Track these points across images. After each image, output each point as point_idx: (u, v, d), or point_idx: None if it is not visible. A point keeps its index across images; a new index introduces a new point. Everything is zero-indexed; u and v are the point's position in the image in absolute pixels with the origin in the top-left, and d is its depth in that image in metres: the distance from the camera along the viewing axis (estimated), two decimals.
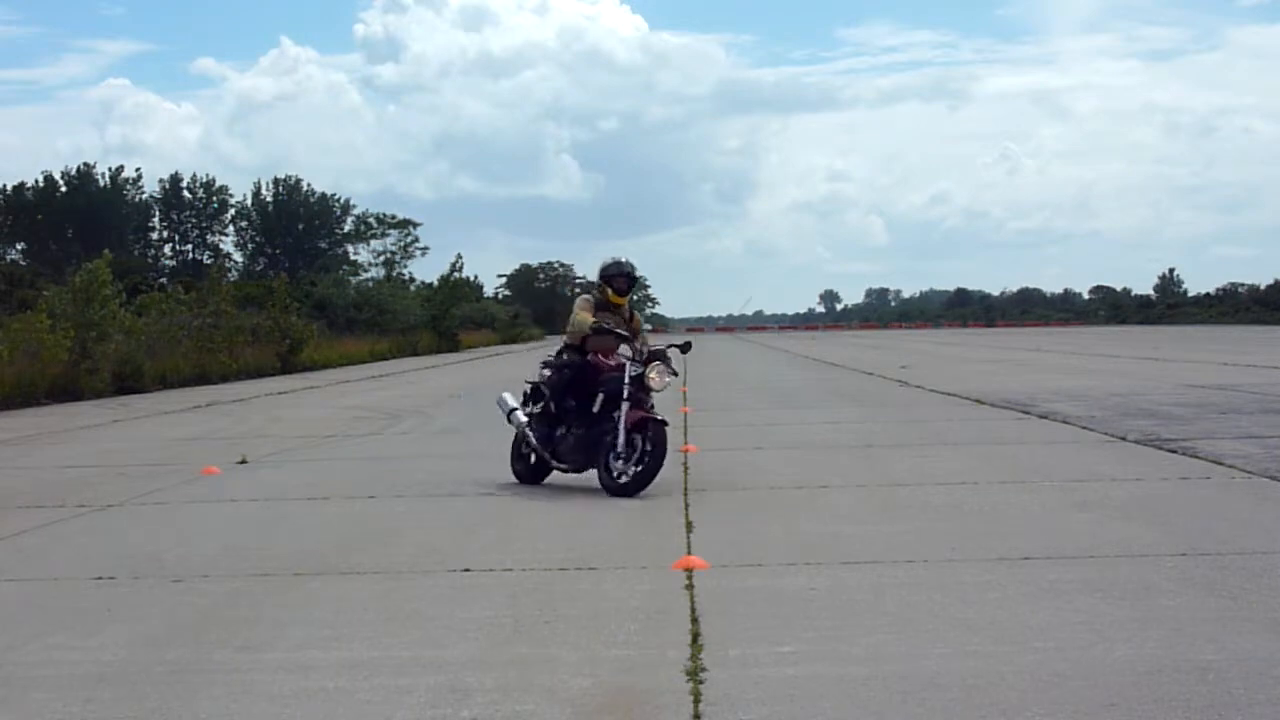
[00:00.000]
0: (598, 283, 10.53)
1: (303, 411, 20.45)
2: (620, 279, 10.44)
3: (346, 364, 40.01)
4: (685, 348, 10.64)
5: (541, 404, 10.26)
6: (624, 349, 10.17)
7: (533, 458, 10.29)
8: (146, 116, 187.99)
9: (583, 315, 10.16)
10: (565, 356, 10.27)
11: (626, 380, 9.59)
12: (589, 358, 10.06)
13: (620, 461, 9.48)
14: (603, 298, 10.39)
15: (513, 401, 10.58)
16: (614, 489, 9.41)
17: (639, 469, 9.40)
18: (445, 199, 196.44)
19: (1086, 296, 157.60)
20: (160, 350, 28.86)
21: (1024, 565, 6.68)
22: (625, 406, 9.49)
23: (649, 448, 9.41)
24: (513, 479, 10.40)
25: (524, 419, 10.33)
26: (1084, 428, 14.00)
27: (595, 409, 9.72)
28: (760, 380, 28.00)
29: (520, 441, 10.38)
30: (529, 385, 10.55)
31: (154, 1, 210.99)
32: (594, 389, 9.80)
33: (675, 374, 10.01)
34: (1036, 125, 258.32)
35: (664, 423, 9.53)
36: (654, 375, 9.66)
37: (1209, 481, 9.67)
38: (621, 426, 9.47)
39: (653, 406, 9.69)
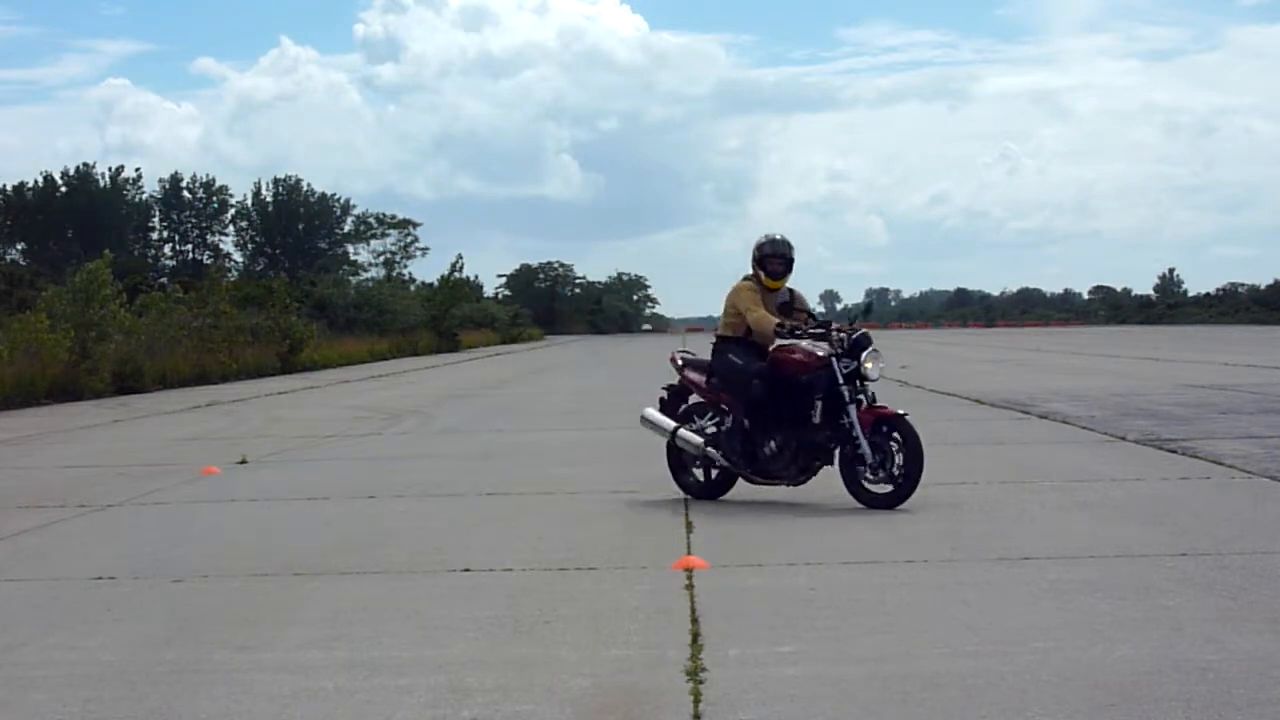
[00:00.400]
0: (752, 263, 9.17)
1: (303, 411, 20.46)
2: (775, 260, 9.09)
3: (346, 364, 40.02)
4: (867, 310, 9.43)
5: (720, 417, 9.09)
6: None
7: (712, 472, 9.24)
8: (146, 116, 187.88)
9: (759, 313, 8.89)
10: (734, 358, 8.97)
11: (841, 380, 8.51)
12: (771, 354, 8.81)
13: (873, 471, 8.46)
14: (758, 284, 9.11)
15: (666, 419, 9.34)
16: (876, 502, 8.43)
17: (900, 475, 8.40)
18: (445, 199, 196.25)
19: (1086, 296, 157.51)
20: (160, 350, 28.87)
21: (1024, 565, 6.68)
22: (854, 409, 8.46)
23: (901, 449, 8.39)
24: (677, 492, 9.36)
25: (699, 440, 9.10)
26: (1084, 428, 14.00)
27: (817, 419, 8.56)
28: None
29: (696, 456, 9.22)
30: (665, 391, 9.50)
31: (154, 1, 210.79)
32: (798, 392, 8.63)
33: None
34: (1036, 125, 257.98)
35: (902, 416, 8.50)
36: (870, 364, 8.59)
37: (1209, 481, 9.67)
38: (860, 433, 8.42)
39: (874, 395, 8.74)
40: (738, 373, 8.92)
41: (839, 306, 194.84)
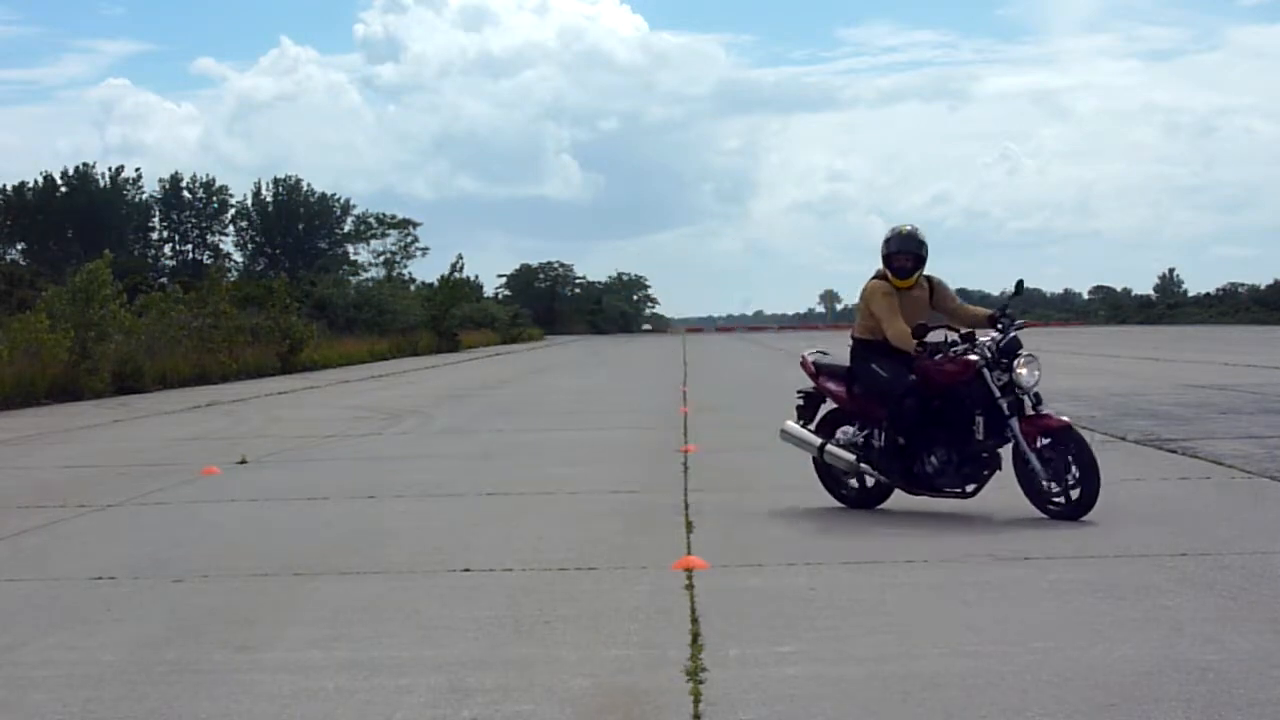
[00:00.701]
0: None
1: (303, 411, 20.46)
2: (902, 257, 8.28)
3: (346, 364, 40.02)
4: (1018, 290, 8.67)
5: (869, 429, 8.40)
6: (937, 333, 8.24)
7: (868, 481, 8.55)
8: (146, 116, 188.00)
9: (897, 326, 8.10)
10: (878, 370, 8.23)
11: (997, 392, 7.87)
12: (917, 365, 8.12)
13: (1051, 484, 7.87)
14: (889, 284, 8.30)
15: (810, 434, 8.66)
16: (1060, 513, 7.82)
17: (1076, 483, 7.80)
18: (445, 199, 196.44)
19: (1086, 296, 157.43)
20: (160, 350, 28.88)
21: (1024, 565, 6.68)
22: (1016, 422, 7.86)
23: (1072, 461, 7.78)
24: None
25: (851, 457, 8.38)
26: (1084, 428, 13.89)
27: (980, 434, 7.93)
28: (760, 380, 27.99)
29: (849, 473, 8.56)
30: (801, 397, 8.84)
31: (154, 1, 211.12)
32: (953, 404, 8.01)
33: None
34: (1036, 125, 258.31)
35: (1069, 426, 7.91)
36: (1024, 371, 7.90)
37: (1209, 481, 9.67)
38: (1026, 447, 7.83)
39: (1039, 397, 8.02)
40: (884, 386, 8.20)
41: (838, 307, 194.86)
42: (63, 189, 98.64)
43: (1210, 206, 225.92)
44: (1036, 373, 7.95)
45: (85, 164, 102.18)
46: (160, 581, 6.81)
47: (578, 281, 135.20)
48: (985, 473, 8.10)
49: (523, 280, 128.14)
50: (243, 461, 12.36)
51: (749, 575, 6.57)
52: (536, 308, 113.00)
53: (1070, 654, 4.98)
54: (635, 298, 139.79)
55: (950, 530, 7.75)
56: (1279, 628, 5.34)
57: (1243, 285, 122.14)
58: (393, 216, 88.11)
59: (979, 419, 7.91)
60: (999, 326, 8.18)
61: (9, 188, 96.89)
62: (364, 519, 8.83)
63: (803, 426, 8.75)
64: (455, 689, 4.73)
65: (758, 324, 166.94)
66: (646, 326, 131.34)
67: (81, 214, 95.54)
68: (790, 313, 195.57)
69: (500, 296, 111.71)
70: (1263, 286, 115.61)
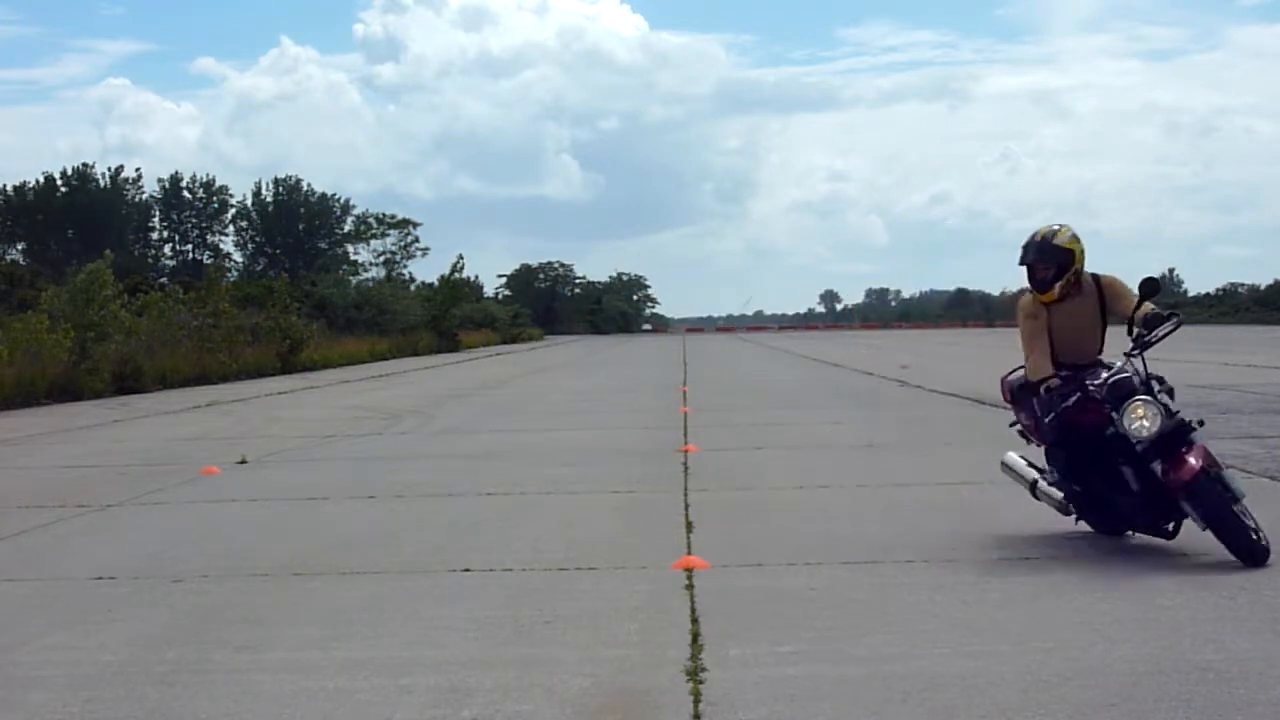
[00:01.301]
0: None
1: (303, 411, 20.45)
2: (1042, 268, 6.98)
3: (346, 364, 40.03)
4: (1150, 290, 6.91)
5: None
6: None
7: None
8: (146, 116, 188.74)
9: (1033, 359, 7.03)
10: (1037, 405, 7.07)
11: (1134, 439, 6.64)
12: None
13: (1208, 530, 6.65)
14: (1033, 301, 7.16)
15: (1027, 468, 7.61)
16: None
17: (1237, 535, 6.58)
18: (445, 199, 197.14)
19: None
20: (160, 350, 28.88)
21: (1024, 565, 6.68)
22: (1158, 467, 6.60)
23: (1205, 514, 6.53)
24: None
25: (1059, 495, 7.25)
26: None
27: (1134, 485, 6.76)
28: (760, 380, 28.00)
29: (1061, 510, 7.38)
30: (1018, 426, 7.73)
31: (154, 1, 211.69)
32: (1097, 453, 6.86)
33: (1165, 407, 6.70)
34: (1036, 125, 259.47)
35: (1200, 476, 6.51)
36: (1135, 419, 6.60)
37: None
38: (1170, 494, 6.64)
39: (1185, 430, 6.64)
40: (1040, 428, 7.19)
41: (838, 307, 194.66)
42: (63, 189, 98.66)
43: (1210, 206, 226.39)
44: (1148, 424, 6.56)
45: (85, 164, 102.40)
46: (160, 581, 6.81)
47: (578, 281, 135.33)
48: (1173, 513, 6.82)
49: (523, 280, 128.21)
50: (243, 461, 12.36)
51: (749, 575, 6.57)
52: (536, 308, 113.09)
53: (1070, 654, 4.98)
54: (635, 298, 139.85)
55: (950, 530, 7.74)
56: (1279, 628, 5.34)
57: (1243, 285, 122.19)
58: (392, 216, 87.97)
59: (1124, 468, 6.77)
60: (1132, 340, 6.95)
61: (9, 188, 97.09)
62: (364, 519, 8.83)
63: (1024, 457, 7.71)
64: (455, 689, 4.72)
65: (757, 324, 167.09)
66: (646, 326, 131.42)
67: (81, 214, 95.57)
68: (790, 313, 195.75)
69: (500, 296, 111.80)
70: (1263, 286, 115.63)
